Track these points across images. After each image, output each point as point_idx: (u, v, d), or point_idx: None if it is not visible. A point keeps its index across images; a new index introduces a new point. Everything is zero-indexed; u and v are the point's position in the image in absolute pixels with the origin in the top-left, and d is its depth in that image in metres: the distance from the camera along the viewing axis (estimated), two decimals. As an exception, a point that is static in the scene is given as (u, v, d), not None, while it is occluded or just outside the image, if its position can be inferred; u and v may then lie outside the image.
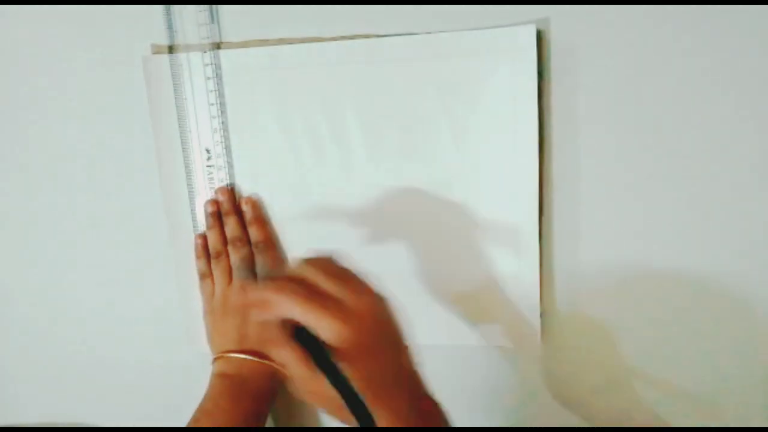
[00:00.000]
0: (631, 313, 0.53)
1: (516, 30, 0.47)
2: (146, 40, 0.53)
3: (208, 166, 0.54)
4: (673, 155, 0.49)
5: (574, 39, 0.48)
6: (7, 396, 0.67)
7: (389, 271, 0.55)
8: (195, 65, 0.52)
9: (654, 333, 0.53)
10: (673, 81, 0.47)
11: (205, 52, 0.52)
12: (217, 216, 0.55)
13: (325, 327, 0.35)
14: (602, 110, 0.49)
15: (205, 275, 0.55)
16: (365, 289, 0.39)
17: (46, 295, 0.62)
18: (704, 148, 0.48)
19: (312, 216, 0.55)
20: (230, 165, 0.54)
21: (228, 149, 0.54)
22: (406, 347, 0.39)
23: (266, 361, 0.52)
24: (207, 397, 0.52)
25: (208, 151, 0.54)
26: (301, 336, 0.37)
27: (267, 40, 0.51)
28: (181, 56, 0.52)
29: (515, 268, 0.52)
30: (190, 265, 0.56)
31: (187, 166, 0.55)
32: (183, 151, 0.55)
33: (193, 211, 0.56)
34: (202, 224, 0.56)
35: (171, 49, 0.53)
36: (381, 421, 0.35)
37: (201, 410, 0.51)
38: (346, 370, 0.35)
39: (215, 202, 0.55)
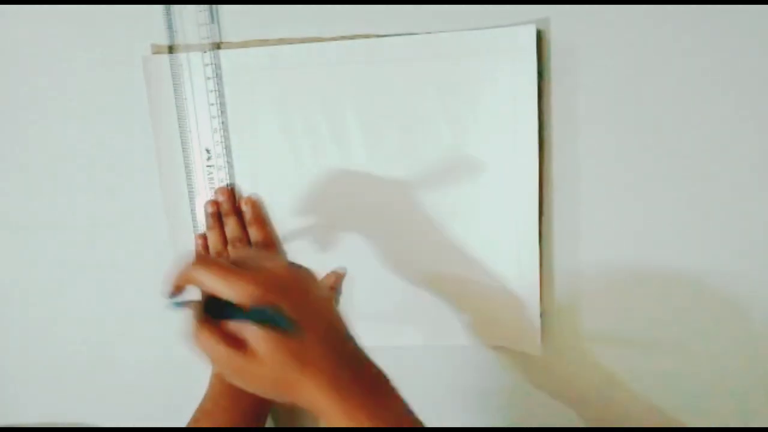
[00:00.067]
0: (631, 313, 0.53)
1: (516, 30, 0.47)
2: (146, 40, 0.53)
3: (208, 166, 0.54)
4: (673, 155, 0.49)
5: (574, 39, 0.48)
6: (7, 396, 0.67)
7: (389, 270, 0.55)
8: (195, 65, 0.52)
9: (654, 333, 0.53)
10: (673, 81, 0.47)
11: (205, 52, 0.52)
12: (217, 216, 0.55)
13: (236, 288, 0.36)
14: (602, 110, 0.49)
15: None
16: (279, 258, 0.39)
17: (46, 295, 0.62)
18: (704, 148, 0.48)
19: (311, 216, 0.55)
20: (230, 165, 0.54)
21: (228, 149, 0.54)
22: (331, 314, 0.39)
23: None
24: (207, 397, 0.52)
25: (208, 151, 0.54)
26: (213, 313, 0.37)
27: (267, 40, 0.51)
28: (181, 56, 0.52)
29: (515, 268, 0.52)
30: (190, 265, 0.56)
31: (187, 166, 0.55)
32: (183, 151, 0.55)
33: (193, 211, 0.56)
34: (202, 224, 0.56)
35: (171, 49, 0.53)
36: (310, 387, 0.36)
37: (201, 410, 0.51)
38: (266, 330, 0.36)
39: (215, 203, 0.55)
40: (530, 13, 0.47)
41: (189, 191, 0.55)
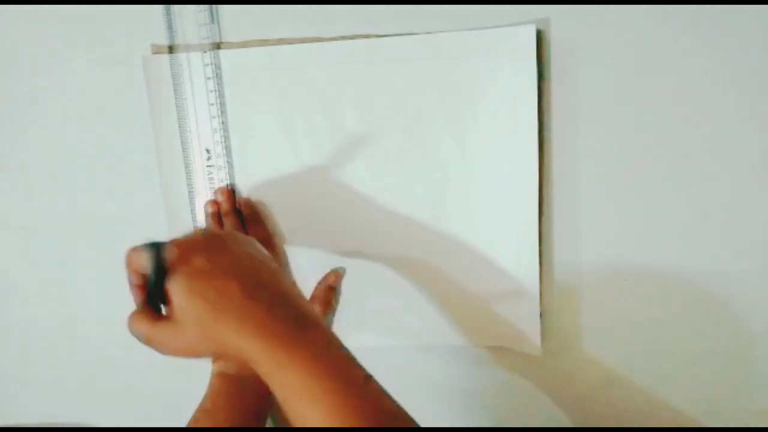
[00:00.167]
0: (631, 313, 0.53)
1: (516, 30, 0.47)
2: (146, 40, 0.53)
3: (208, 166, 0.54)
4: (673, 155, 0.49)
5: (574, 39, 0.48)
6: (7, 396, 0.67)
7: (389, 270, 0.55)
8: (195, 65, 0.52)
9: (653, 333, 0.53)
10: (673, 81, 0.47)
11: (205, 52, 0.52)
12: (217, 216, 0.55)
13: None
14: (602, 110, 0.49)
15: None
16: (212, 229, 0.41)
17: (46, 295, 0.62)
18: (704, 148, 0.48)
19: (311, 216, 0.55)
20: (230, 165, 0.54)
21: (228, 149, 0.54)
22: (250, 263, 0.40)
23: None
24: (207, 397, 0.52)
25: (208, 151, 0.54)
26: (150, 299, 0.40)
27: (267, 40, 0.51)
28: (181, 56, 0.52)
29: (515, 267, 0.52)
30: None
31: (187, 166, 0.55)
32: (183, 151, 0.55)
33: (193, 211, 0.56)
34: (202, 224, 0.56)
35: (171, 49, 0.53)
36: (230, 332, 0.37)
37: (201, 410, 0.51)
38: (182, 283, 0.38)
39: (215, 203, 0.55)
40: (530, 13, 0.47)
41: (189, 191, 0.55)
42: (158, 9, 0.52)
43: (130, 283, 0.42)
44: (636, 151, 0.49)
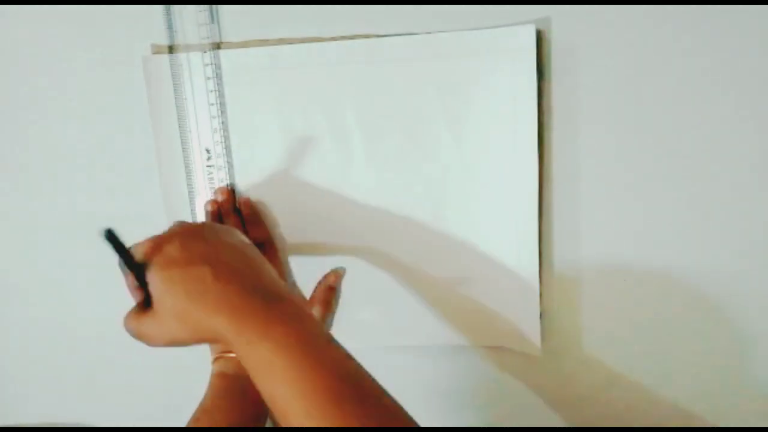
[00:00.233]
0: (631, 313, 0.53)
1: (516, 30, 0.47)
2: (146, 40, 0.53)
3: (208, 166, 0.54)
4: (673, 155, 0.49)
5: (574, 39, 0.48)
6: (7, 396, 0.67)
7: (389, 270, 0.55)
8: (195, 65, 0.52)
9: (654, 333, 0.53)
10: (673, 81, 0.47)
11: (205, 52, 0.52)
12: (216, 216, 0.55)
13: (137, 249, 0.41)
14: (602, 110, 0.49)
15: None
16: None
17: (46, 295, 0.62)
18: (704, 148, 0.48)
19: (311, 215, 0.55)
20: (230, 165, 0.54)
21: (228, 149, 0.54)
22: (225, 250, 0.42)
23: None
24: (207, 397, 0.52)
25: (208, 151, 0.54)
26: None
27: (267, 40, 0.51)
28: (181, 56, 0.52)
29: (515, 268, 0.52)
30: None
31: (187, 166, 0.55)
32: (183, 151, 0.55)
33: (193, 211, 0.56)
34: (202, 224, 0.56)
35: (171, 49, 0.53)
36: (204, 315, 0.38)
37: (201, 410, 0.51)
38: (157, 273, 0.40)
39: (215, 202, 0.55)
40: (530, 13, 0.47)
41: (189, 191, 0.55)
42: (158, 9, 0.52)
43: (128, 286, 0.43)
44: (636, 151, 0.49)
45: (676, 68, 0.47)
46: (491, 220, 0.52)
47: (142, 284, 0.41)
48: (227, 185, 0.55)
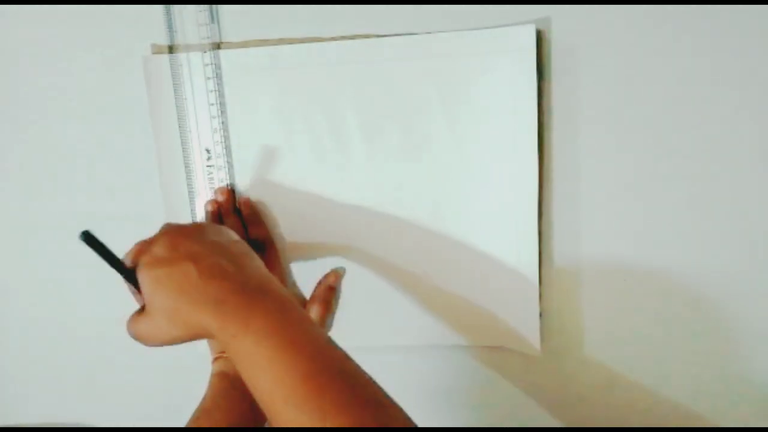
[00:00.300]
0: (631, 312, 0.53)
1: (516, 30, 0.47)
2: (146, 40, 0.53)
3: (208, 166, 0.54)
4: (673, 155, 0.49)
5: (574, 39, 0.48)
6: (7, 396, 0.67)
7: (388, 270, 0.55)
8: (195, 65, 0.52)
9: (654, 332, 0.53)
10: (673, 81, 0.47)
11: (205, 52, 0.52)
12: (216, 216, 0.55)
13: (127, 255, 0.43)
14: (602, 110, 0.49)
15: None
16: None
17: (46, 295, 0.62)
18: (704, 148, 0.48)
19: (311, 215, 0.55)
20: (230, 165, 0.54)
21: (228, 149, 0.54)
22: (214, 248, 0.42)
23: None
24: (207, 397, 0.52)
25: (208, 151, 0.54)
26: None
27: (267, 40, 0.51)
28: (181, 56, 0.52)
29: (515, 267, 0.52)
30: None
31: (187, 166, 0.55)
32: (183, 151, 0.55)
33: (193, 211, 0.56)
34: (202, 224, 0.56)
35: (171, 49, 0.53)
36: (193, 311, 0.39)
37: (201, 409, 0.51)
38: (145, 273, 0.41)
39: (215, 202, 0.55)
40: (530, 13, 0.47)
41: (189, 191, 0.55)
42: (158, 9, 0.52)
43: (131, 292, 0.44)
44: (636, 151, 0.49)
45: (675, 68, 0.47)
46: (491, 220, 0.52)
47: (136, 287, 0.42)
48: (227, 185, 0.55)
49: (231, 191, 0.55)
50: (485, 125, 0.50)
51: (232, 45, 0.52)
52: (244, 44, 0.52)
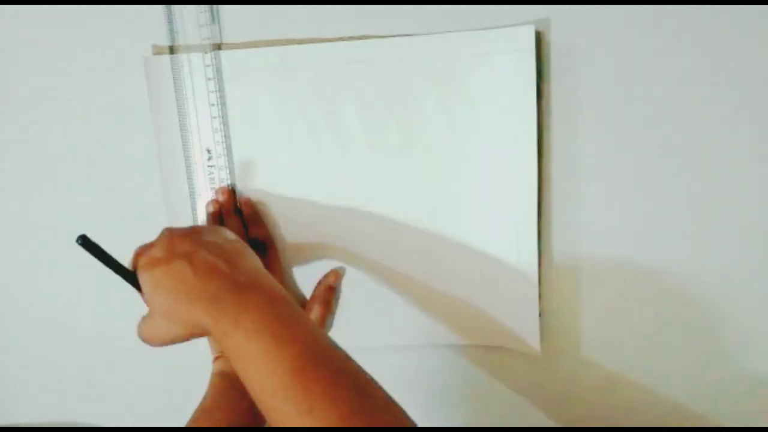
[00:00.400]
0: (631, 312, 0.53)
1: (515, 30, 0.47)
2: (147, 41, 0.53)
3: (209, 166, 0.55)
4: (673, 155, 0.49)
5: (574, 39, 0.48)
6: (7, 396, 0.67)
7: (388, 270, 0.55)
8: (196, 66, 0.52)
9: (653, 333, 0.53)
10: (673, 81, 0.47)
11: (206, 52, 0.52)
12: (217, 216, 0.55)
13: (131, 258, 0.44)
14: (601, 110, 0.49)
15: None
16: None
17: (46, 295, 0.62)
18: (704, 148, 0.48)
19: (312, 215, 0.55)
20: (231, 165, 0.54)
21: (229, 149, 0.54)
22: (209, 248, 0.43)
23: None
24: (207, 397, 0.52)
25: (208, 151, 0.54)
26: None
27: (268, 41, 0.51)
28: (182, 57, 0.52)
29: (514, 267, 0.52)
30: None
31: (188, 166, 0.55)
32: (184, 151, 0.55)
33: (194, 211, 0.56)
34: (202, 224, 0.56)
35: (172, 50, 0.53)
36: (191, 310, 0.40)
37: (201, 409, 0.51)
38: (145, 274, 0.42)
39: (216, 202, 0.55)
40: (530, 13, 0.47)
41: (190, 191, 0.55)
42: (159, 9, 0.52)
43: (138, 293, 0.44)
44: (635, 151, 0.49)
45: (675, 68, 0.47)
46: (491, 221, 0.52)
47: (137, 289, 0.43)
48: (228, 185, 0.55)
49: (232, 191, 0.55)
50: (485, 126, 0.50)
51: (232, 45, 0.52)
52: (245, 45, 0.52)
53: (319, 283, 0.56)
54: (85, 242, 0.42)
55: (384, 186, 0.53)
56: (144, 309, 0.44)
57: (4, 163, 0.59)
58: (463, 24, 0.48)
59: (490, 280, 0.53)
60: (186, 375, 0.59)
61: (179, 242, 0.42)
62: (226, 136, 0.54)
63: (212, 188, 0.55)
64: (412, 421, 0.36)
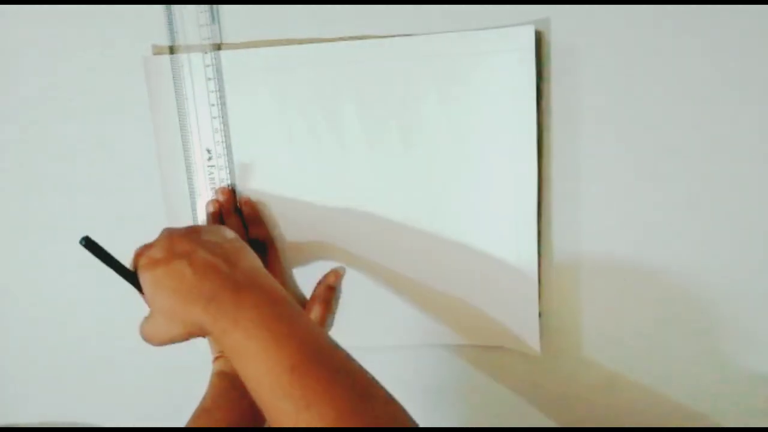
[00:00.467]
0: (631, 312, 0.53)
1: (516, 30, 0.47)
2: (147, 41, 0.53)
3: (209, 166, 0.55)
4: (673, 155, 0.49)
5: (574, 39, 0.48)
6: (7, 396, 0.67)
7: (388, 270, 0.55)
8: (196, 66, 0.52)
9: (653, 333, 0.53)
10: (673, 81, 0.47)
11: (206, 52, 0.52)
12: (218, 216, 0.55)
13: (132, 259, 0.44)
14: (601, 110, 0.49)
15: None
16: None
17: (46, 295, 0.62)
18: (704, 148, 0.48)
19: (312, 215, 0.55)
20: (231, 165, 0.54)
21: (229, 149, 0.54)
22: (208, 248, 0.43)
23: None
24: (207, 396, 0.52)
25: (208, 151, 0.54)
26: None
27: (268, 41, 0.51)
28: (182, 57, 0.52)
29: (514, 267, 0.52)
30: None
31: (188, 166, 0.55)
32: (184, 151, 0.55)
33: (194, 211, 0.56)
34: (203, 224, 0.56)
35: (172, 50, 0.53)
36: (190, 309, 0.40)
37: (201, 409, 0.51)
38: (145, 275, 0.42)
39: (216, 202, 0.55)
40: (530, 13, 0.47)
41: (190, 191, 0.55)
42: (159, 9, 0.52)
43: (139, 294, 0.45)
44: (635, 151, 0.49)
45: (675, 68, 0.47)
46: (491, 220, 0.52)
47: (138, 289, 0.43)
48: (228, 185, 0.55)
49: (232, 191, 0.55)
50: (485, 126, 0.50)
51: (232, 45, 0.52)
52: (245, 45, 0.52)
53: (319, 282, 0.56)
54: (88, 243, 0.42)
55: (384, 186, 0.53)
56: (143, 309, 0.44)
57: (4, 163, 0.59)
58: (463, 24, 0.48)
59: (490, 280, 0.53)
60: (186, 375, 0.59)
61: (179, 242, 0.43)
62: (226, 136, 0.54)
63: (212, 188, 0.55)
64: (413, 422, 0.36)
